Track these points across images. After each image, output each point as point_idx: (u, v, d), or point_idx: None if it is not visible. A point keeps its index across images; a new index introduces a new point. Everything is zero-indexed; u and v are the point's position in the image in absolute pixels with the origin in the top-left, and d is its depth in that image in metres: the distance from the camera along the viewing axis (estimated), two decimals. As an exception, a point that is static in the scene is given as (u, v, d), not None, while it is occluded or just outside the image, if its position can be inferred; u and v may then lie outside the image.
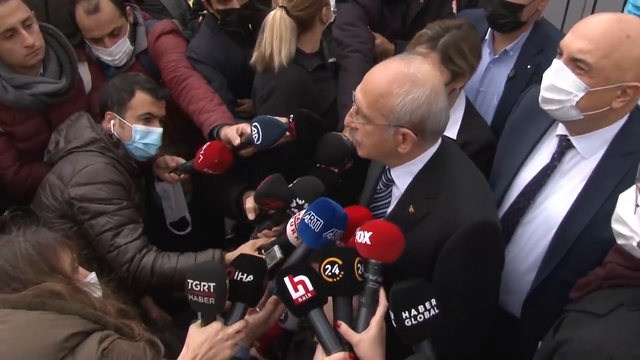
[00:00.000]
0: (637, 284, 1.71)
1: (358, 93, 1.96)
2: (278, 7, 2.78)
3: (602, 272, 1.82)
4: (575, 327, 1.74)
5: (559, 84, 2.00)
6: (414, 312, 1.74)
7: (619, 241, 1.73)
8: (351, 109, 2.01)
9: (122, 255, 2.57)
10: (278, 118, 2.72)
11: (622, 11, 2.73)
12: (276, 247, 2.19)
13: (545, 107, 2.09)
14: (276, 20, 2.77)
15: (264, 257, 2.20)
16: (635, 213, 1.66)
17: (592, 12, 4.98)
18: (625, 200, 1.71)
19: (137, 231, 2.63)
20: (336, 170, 2.65)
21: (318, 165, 2.65)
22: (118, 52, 3.10)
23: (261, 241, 2.38)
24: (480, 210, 1.96)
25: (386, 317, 1.80)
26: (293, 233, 2.11)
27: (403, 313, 1.74)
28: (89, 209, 2.59)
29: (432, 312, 1.76)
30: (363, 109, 1.92)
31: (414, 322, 1.74)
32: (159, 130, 2.81)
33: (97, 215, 2.59)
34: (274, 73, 2.80)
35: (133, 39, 3.20)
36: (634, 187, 1.70)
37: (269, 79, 2.85)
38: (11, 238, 1.88)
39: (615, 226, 1.73)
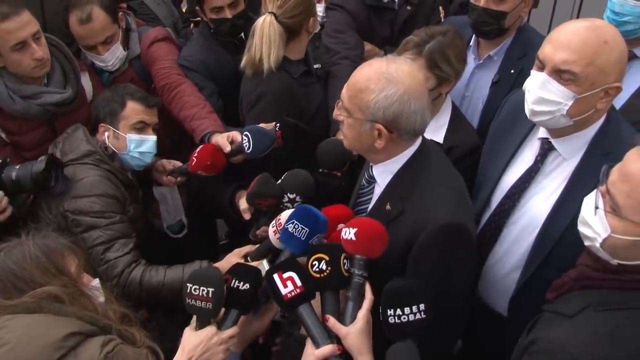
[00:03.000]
0: (605, 286, 1.76)
1: (344, 88, 2.06)
2: (268, 13, 2.84)
3: (574, 273, 1.87)
4: (546, 327, 1.81)
5: (548, 96, 2.05)
6: (399, 312, 1.79)
7: (585, 243, 1.80)
8: (338, 102, 2.11)
9: (112, 270, 2.58)
10: (264, 125, 2.76)
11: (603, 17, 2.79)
12: (265, 262, 2.22)
13: (536, 119, 2.14)
14: (265, 26, 2.82)
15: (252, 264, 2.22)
16: (595, 215, 1.73)
17: (578, 17, 5.06)
18: (589, 202, 1.78)
19: (128, 246, 2.63)
20: (339, 174, 2.70)
21: (321, 170, 2.69)
22: (111, 58, 3.14)
23: (246, 249, 2.40)
24: (450, 211, 2.01)
25: (372, 310, 1.86)
26: (275, 234, 2.15)
27: (388, 310, 1.80)
28: (82, 221, 2.61)
29: (418, 316, 1.79)
30: (345, 102, 2.04)
31: (396, 320, 1.79)
32: (153, 137, 2.84)
33: (89, 228, 2.61)
34: (261, 79, 2.86)
35: (126, 44, 3.24)
36: (596, 190, 1.78)
37: (256, 86, 2.91)
38: (21, 241, 1.93)
39: (581, 228, 1.80)
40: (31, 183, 2.42)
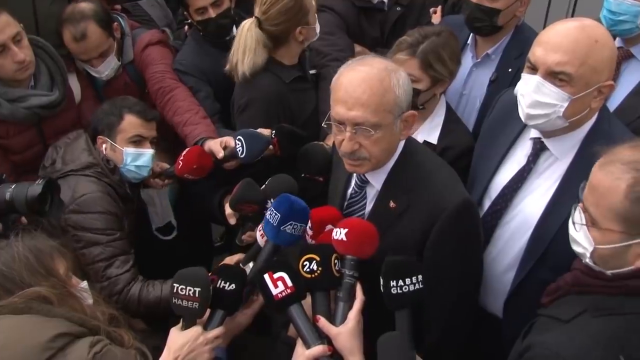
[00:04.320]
0: (600, 292, 1.77)
1: (351, 112, 1.95)
2: (254, 17, 2.84)
3: (569, 278, 1.89)
4: (542, 332, 1.82)
5: (543, 98, 2.04)
6: (400, 282, 1.86)
7: (582, 260, 1.81)
8: (346, 134, 1.99)
9: (113, 287, 2.61)
10: (261, 131, 2.75)
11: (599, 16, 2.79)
12: (251, 264, 2.22)
13: (531, 122, 2.13)
14: (244, 30, 2.82)
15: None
16: (579, 231, 1.76)
17: (572, 16, 5.07)
18: (572, 220, 1.82)
19: (128, 263, 2.66)
20: (321, 179, 2.68)
21: (303, 175, 2.68)
22: (105, 69, 3.16)
23: (238, 257, 2.42)
24: (458, 190, 2.09)
25: (363, 310, 1.87)
26: (262, 238, 2.16)
27: (391, 281, 1.86)
28: (83, 237, 2.62)
29: (417, 287, 1.88)
30: (369, 119, 1.94)
31: (398, 291, 1.86)
32: (150, 152, 2.83)
33: (90, 244, 2.62)
34: (250, 84, 2.85)
35: (120, 52, 3.25)
36: (577, 207, 1.80)
37: (245, 90, 2.90)
38: (10, 242, 1.94)
39: (573, 246, 1.83)
40: (25, 206, 2.36)
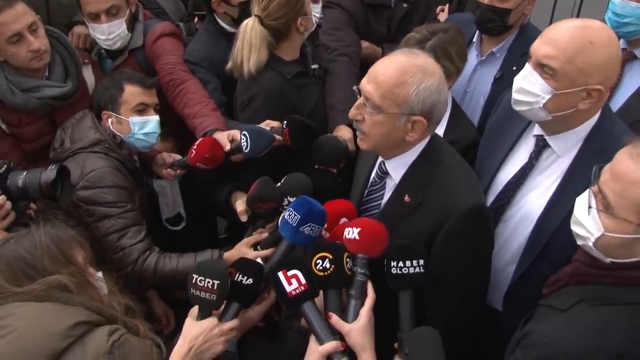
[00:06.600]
0: (599, 282, 1.82)
1: (367, 85, 2.04)
2: (253, 16, 2.86)
3: (569, 269, 1.93)
4: (540, 321, 1.87)
5: (528, 86, 2.10)
6: (400, 264, 1.94)
7: (578, 242, 1.85)
8: (357, 102, 2.09)
9: (127, 257, 2.65)
10: (269, 124, 2.78)
11: (604, 17, 2.82)
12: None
13: (516, 107, 2.20)
14: (247, 29, 2.84)
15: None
16: (589, 214, 1.78)
17: (578, 17, 5.08)
18: (581, 203, 1.84)
19: (141, 233, 2.70)
20: (334, 170, 2.72)
21: (316, 167, 2.71)
22: (113, 31, 3.12)
23: (255, 238, 2.46)
24: (474, 194, 2.11)
25: (374, 308, 1.91)
26: None
27: (392, 262, 1.95)
28: (95, 211, 2.67)
29: (417, 270, 1.95)
30: (375, 100, 2.02)
31: (398, 271, 1.94)
32: (156, 117, 2.85)
33: (102, 217, 2.67)
34: (252, 81, 2.87)
35: (132, 25, 3.23)
36: (588, 190, 1.83)
37: (248, 87, 2.93)
38: (31, 230, 1.96)
39: (574, 228, 1.86)
40: (39, 191, 2.39)
